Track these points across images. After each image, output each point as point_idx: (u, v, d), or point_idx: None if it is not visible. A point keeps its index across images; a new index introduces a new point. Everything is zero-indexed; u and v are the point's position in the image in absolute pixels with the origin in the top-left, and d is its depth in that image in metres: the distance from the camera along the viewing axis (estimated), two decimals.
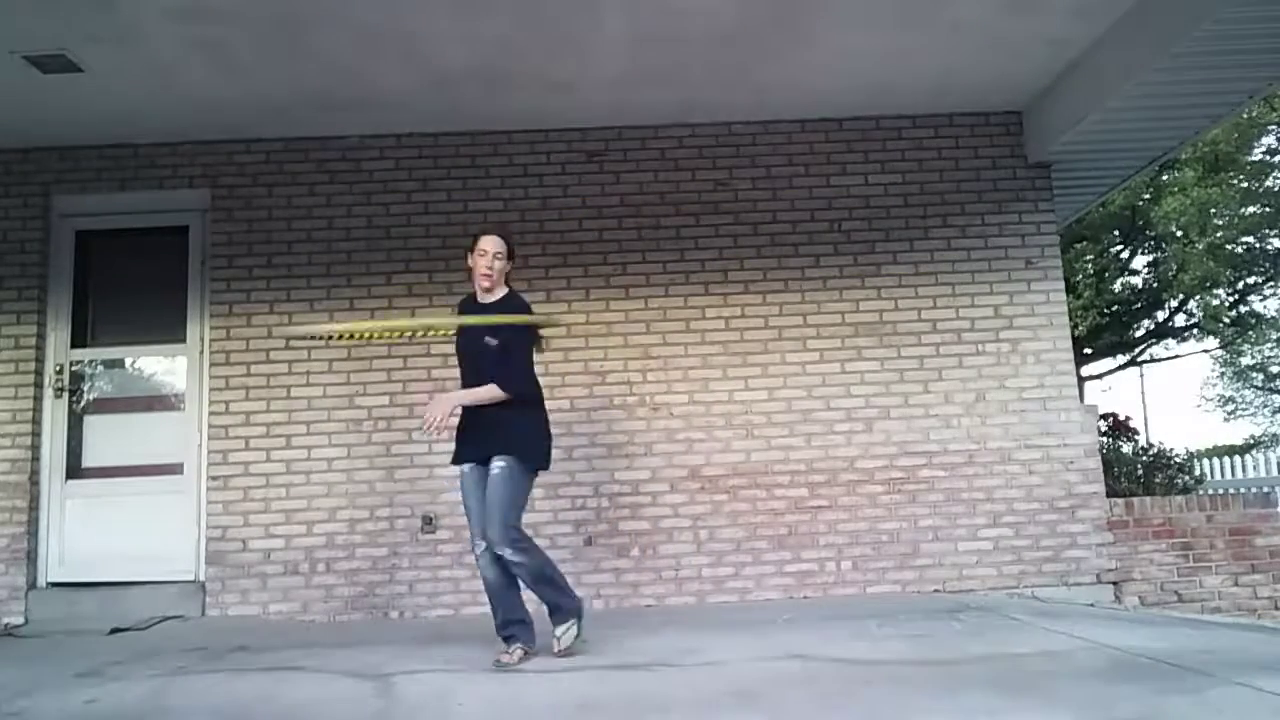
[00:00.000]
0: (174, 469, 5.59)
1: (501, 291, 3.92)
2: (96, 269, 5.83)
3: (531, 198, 5.77)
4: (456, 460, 3.88)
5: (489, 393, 3.71)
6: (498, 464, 3.69)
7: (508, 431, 3.72)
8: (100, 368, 5.82)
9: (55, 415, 5.61)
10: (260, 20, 4.49)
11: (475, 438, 3.81)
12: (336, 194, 5.77)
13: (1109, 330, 17.85)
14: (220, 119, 5.50)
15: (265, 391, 5.56)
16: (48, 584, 5.45)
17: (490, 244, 3.88)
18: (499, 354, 3.74)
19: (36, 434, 5.52)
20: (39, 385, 5.57)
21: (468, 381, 3.86)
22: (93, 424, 5.68)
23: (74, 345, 5.70)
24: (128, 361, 5.89)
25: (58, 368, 5.65)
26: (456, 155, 5.80)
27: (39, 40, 4.53)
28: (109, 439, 5.64)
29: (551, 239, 5.73)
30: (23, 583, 5.34)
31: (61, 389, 5.63)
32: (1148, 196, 14.98)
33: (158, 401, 5.78)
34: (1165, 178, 14.90)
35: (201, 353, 5.67)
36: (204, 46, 4.68)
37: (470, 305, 4.02)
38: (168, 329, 5.73)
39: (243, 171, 5.76)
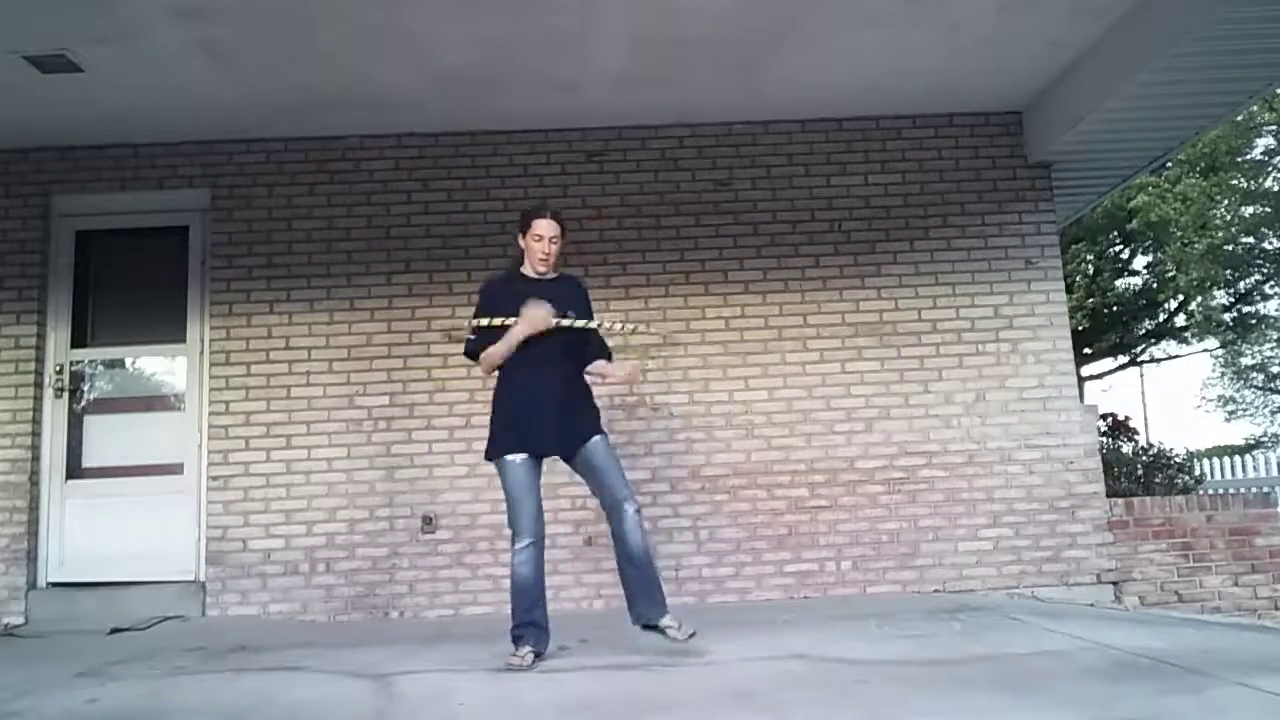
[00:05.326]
0: (174, 469, 5.59)
1: (554, 273, 3.94)
2: (96, 269, 5.82)
3: (531, 198, 5.74)
4: (520, 449, 3.74)
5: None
6: (599, 439, 3.82)
7: (594, 412, 3.91)
8: (100, 368, 5.82)
9: (55, 415, 5.61)
10: (260, 20, 4.49)
11: (558, 426, 3.75)
12: (336, 194, 5.77)
13: (1109, 330, 17.84)
14: (220, 119, 5.50)
15: (265, 391, 5.56)
16: (48, 584, 5.45)
17: (548, 229, 3.84)
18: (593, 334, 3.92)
19: (36, 434, 5.51)
20: (39, 385, 5.57)
21: (551, 366, 3.76)
22: (93, 424, 5.67)
23: (74, 345, 5.70)
24: (128, 361, 5.88)
25: (58, 368, 5.65)
26: (456, 155, 5.81)
27: (39, 40, 4.53)
28: (109, 439, 5.64)
29: None
30: (23, 583, 5.34)
31: (61, 389, 5.63)
32: (1144, 199, 14.93)
33: (158, 401, 5.78)
34: (1151, 192, 14.79)
35: (201, 353, 5.67)
36: (204, 46, 4.68)
37: (524, 282, 3.89)
38: (168, 329, 5.73)
39: (243, 171, 5.76)
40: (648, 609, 3.72)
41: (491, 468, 3.91)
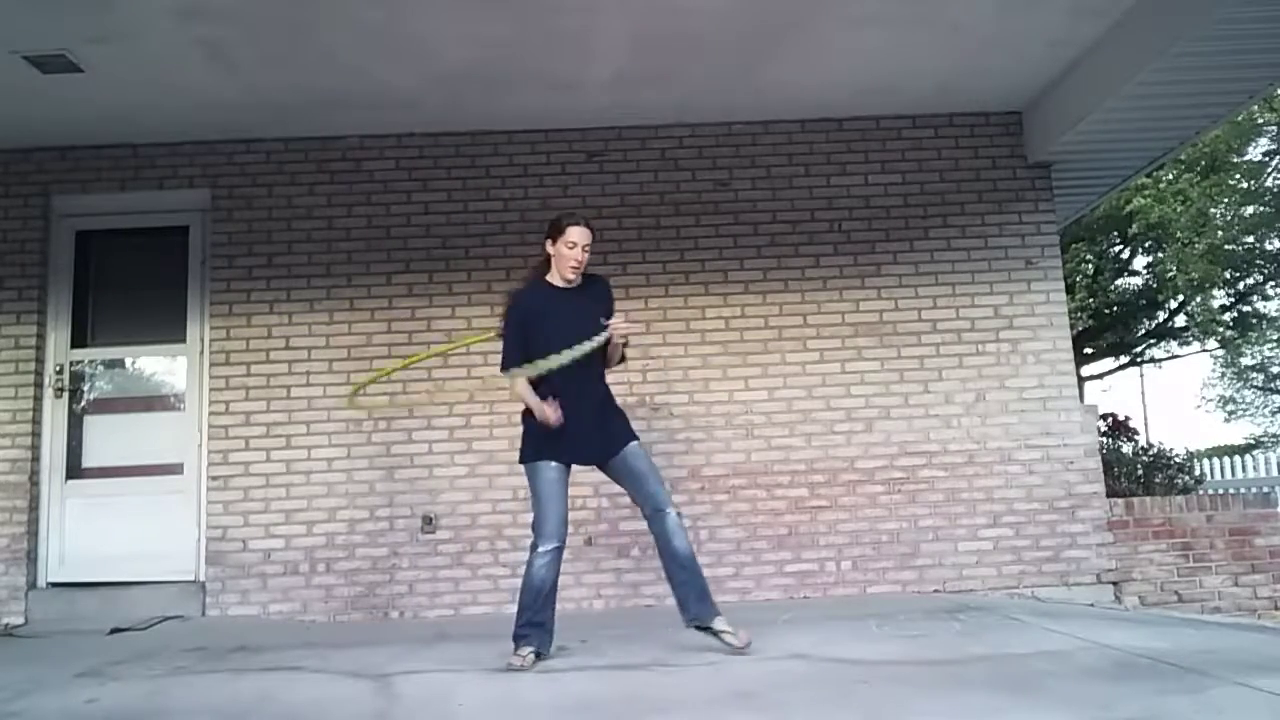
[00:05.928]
0: (174, 469, 5.59)
1: (580, 279, 3.88)
2: (96, 269, 5.83)
3: (531, 198, 5.76)
4: (558, 458, 3.74)
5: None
6: (635, 444, 3.81)
7: (624, 415, 3.91)
8: (100, 368, 5.82)
9: (55, 415, 5.61)
10: (261, 20, 4.49)
11: (598, 435, 3.77)
12: (336, 194, 5.77)
13: (1109, 330, 17.83)
14: (220, 119, 5.50)
15: (265, 391, 5.56)
16: (48, 584, 5.45)
17: (582, 236, 3.80)
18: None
19: (36, 434, 5.51)
20: (39, 385, 5.57)
21: (587, 381, 3.76)
22: (93, 424, 5.67)
23: (74, 345, 5.70)
24: (128, 361, 5.89)
25: (58, 368, 5.65)
26: (456, 155, 5.81)
27: (39, 40, 4.53)
28: (109, 439, 5.64)
29: None
30: (23, 583, 5.34)
31: (61, 389, 5.63)
32: (1140, 201, 14.91)
33: (158, 401, 5.78)
34: (1148, 194, 14.76)
35: (201, 353, 5.67)
36: (204, 46, 4.68)
37: (550, 291, 3.85)
38: (168, 329, 5.73)
39: (243, 171, 5.76)
40: (700, 609, 3.74)
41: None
